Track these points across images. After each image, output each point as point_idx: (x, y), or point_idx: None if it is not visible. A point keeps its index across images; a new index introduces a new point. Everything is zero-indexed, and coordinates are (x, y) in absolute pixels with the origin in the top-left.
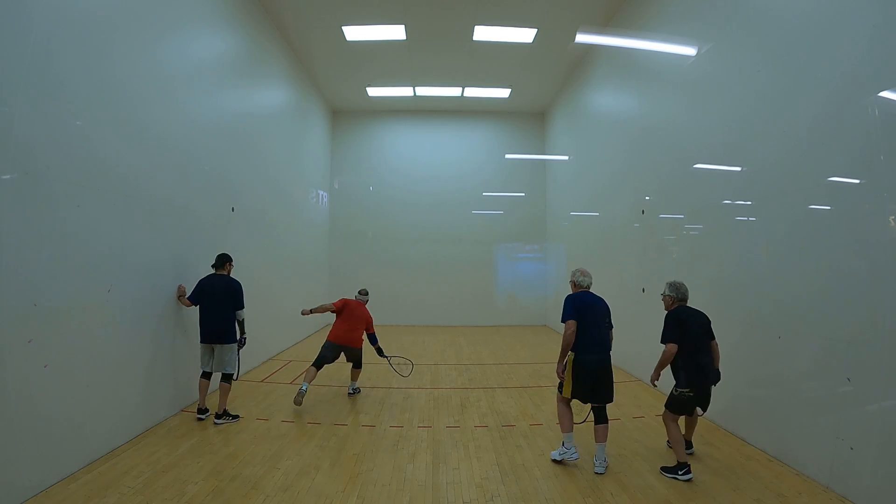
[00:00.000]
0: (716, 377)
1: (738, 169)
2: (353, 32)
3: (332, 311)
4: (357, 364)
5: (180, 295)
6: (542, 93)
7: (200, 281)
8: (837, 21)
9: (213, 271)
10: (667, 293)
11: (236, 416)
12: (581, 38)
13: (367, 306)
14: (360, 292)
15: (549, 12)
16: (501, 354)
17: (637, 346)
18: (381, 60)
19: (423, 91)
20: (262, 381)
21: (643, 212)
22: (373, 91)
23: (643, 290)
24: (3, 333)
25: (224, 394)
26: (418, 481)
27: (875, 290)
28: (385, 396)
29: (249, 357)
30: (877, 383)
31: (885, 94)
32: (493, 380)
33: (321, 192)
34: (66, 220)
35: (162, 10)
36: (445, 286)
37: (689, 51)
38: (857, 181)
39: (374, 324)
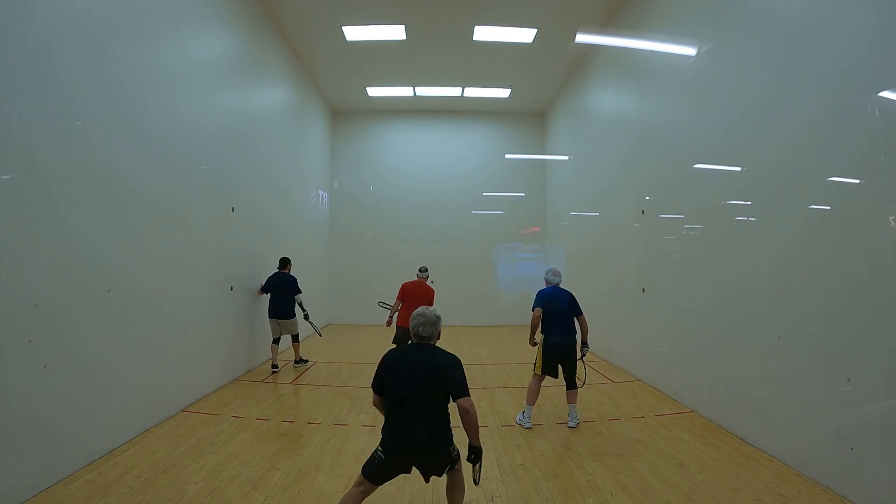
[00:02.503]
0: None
1: (738, 169)
2: (353, 32)
3: (401, 301)
4: None
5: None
6: (542, 93)
7: (269, 277)
8: (837, 21)
9: (276, 270)
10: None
11: (307, 361)
12: (581, 38)
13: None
14: (420, 269)
15: (549, 12)
16: (501, 354)
17: (637, 345)
18: (381, 60)
19: (423, 91)
20: (261, 381)
21: (643, 212)
22: (373, 91)
23: (643, 290)
24: (3, 333)
25: (296, 349)
26: (418, 481)
27: (875, 289)
28: None
29: (249, 357)
30: (877, 383)
31: (885, 94)
32: (493, 380)
33: (321, 192)
34: (66, 220)
35: (162, 11)
36: (445, 286)
37: (689, 51)
38: (857, 181)
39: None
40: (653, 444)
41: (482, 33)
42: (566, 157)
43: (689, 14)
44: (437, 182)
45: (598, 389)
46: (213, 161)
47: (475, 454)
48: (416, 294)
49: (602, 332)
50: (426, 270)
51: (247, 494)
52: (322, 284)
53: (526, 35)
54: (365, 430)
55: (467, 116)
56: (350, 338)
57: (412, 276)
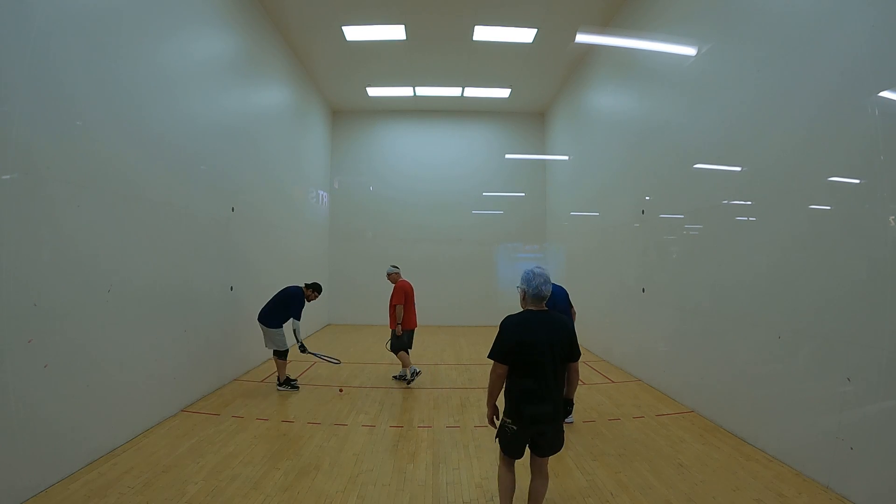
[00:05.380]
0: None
1: (738, 169)
2: (353, 32)
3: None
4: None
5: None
6: (542, 93)
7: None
8: (837, 21)
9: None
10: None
11: (295, 383)
12: (581, 38)
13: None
14: (395, 267)
15: (549, 12)
16: None
17: (637, 345)
18: (381, 60)
19: (423, 91)
20: (261, 382)
21: (643, 212)
22: (373, 91)
23: (643, 290)
24: (3, 333)
25: (279, 367)
26: (418, 481)
27: (875, 290)
28: (385, 396)
29: (249, 357)
30: (877, 383)
31: (885, 94)
32: None
33: (321, 192)
34: (65, 221)
35: (162, 11)
36: (445, 286)
37: (689, 51)
38: (857, 181)
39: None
40: (653, 444)
41: (482, 33)
42: (566, 157)
43: (689, 14)
44: (437, 182)
45: (598, 389)
46: (214, 161)
47: None
48: (411, 293)
49: (602, 332)
50: (397, 267)
51: (247, 494)
52: (322, 284)
53: (526, 35)
54: (364, 430)
55: (467, 116)
56: (350, 338)
57: (412, 276)
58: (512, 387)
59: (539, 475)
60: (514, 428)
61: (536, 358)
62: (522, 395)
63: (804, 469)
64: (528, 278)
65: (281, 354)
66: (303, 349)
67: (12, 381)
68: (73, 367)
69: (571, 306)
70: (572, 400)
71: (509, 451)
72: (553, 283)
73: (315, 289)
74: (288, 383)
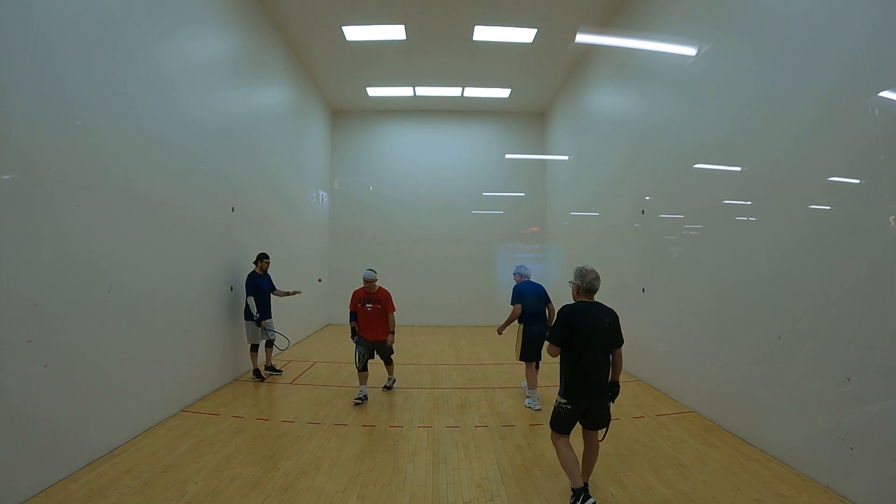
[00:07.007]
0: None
1: (738, 169)
2: (353, 32)
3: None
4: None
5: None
6: (542, 93)
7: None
8: (837, 21)
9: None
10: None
11: (279, 372)
12: (581, 38)
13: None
14: (373, 270)
15: (549, 12)
16: (501, 354)
17: (637, 345)
18: (381, 60)
19: (423, 91)
20: (262, 381)
21: (643, 212)
22: (373, 91)
23: (643, 290)
24: (3, 333)
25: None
26: (418, 481)
27: (875, 290)
28: (385, 396)
29: (248, 357)
30: (877, 383)
31: (885, 94)
32: (493, 380)
33: (321, 192)
34: (65, 221)
35: (162, 11)
36: (445, 286)
37: (689, 51)
38: (857, 181)
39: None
40: (653, 444)
41: (482, 33)
42: (566, 157)
43: (689, 14)
44: (438, 182)
45: None
46: (213, 161)
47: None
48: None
49: None
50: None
51: (247, 494)
52: (322, 284)
53: (526, 35)
54: (364, 430)
55: (467, 116)
56: (349, 338)
57: (412, 276)
58: (566, 368)
59: (591, 448)
60: (569, 407)
61: (586, 342)
62: (574, 375)
63: (804, 469)
64: (582, 275)
65: (255, 347)
66: (258, 322)
67: (12, 381)
68: (73, 367)
69: (549, 301)
70: (618, 383)
71: (561, 427)
72: (532, 282)
73: (260, 258)
74: (272, 368)
